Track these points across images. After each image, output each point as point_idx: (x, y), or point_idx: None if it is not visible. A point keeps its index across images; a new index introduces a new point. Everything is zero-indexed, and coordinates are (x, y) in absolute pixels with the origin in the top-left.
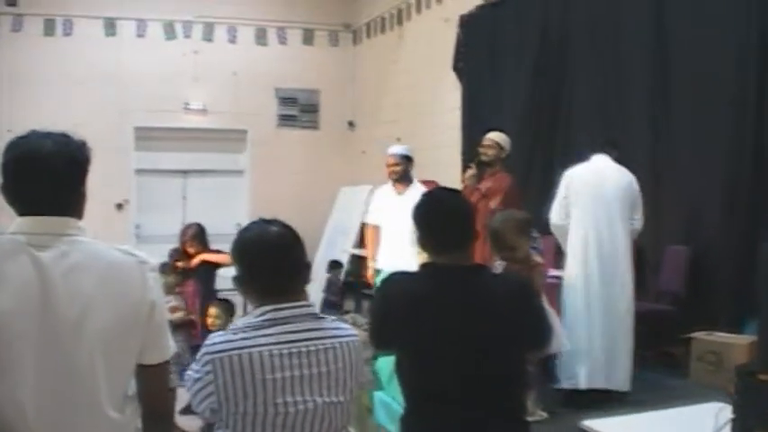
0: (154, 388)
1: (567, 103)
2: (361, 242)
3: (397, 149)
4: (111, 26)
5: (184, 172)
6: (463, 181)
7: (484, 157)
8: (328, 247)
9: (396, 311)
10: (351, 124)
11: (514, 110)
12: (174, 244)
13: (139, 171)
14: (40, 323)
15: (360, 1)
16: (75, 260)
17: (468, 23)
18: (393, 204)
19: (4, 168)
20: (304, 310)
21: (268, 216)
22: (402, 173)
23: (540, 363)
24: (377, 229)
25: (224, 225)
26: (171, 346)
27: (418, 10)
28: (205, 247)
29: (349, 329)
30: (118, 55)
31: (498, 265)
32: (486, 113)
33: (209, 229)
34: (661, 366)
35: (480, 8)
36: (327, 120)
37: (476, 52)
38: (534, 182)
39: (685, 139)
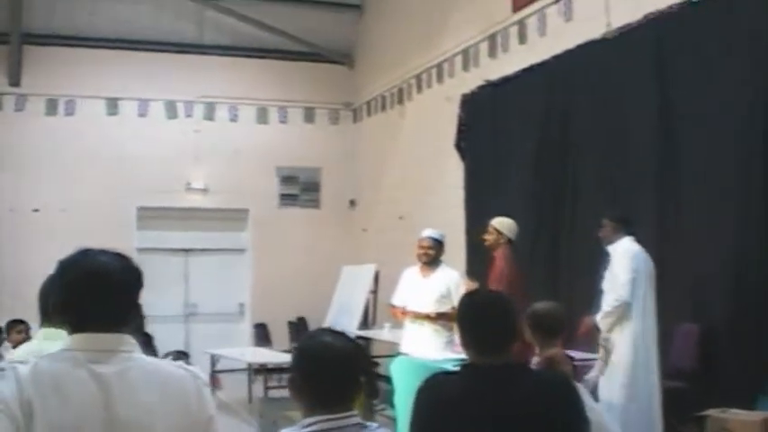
0: None
1: (572, 181)
2: (365, 322)
3: (431, 233)
4: (113, 106)
5: (186, 250)
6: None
7: (485, 243)
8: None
9: (438, 414)
10: (352, 203)
11: (518, 188)
12: (178, 323)
13: (141, 250)
14: None
15: (360, 80)
16: (135, 377)
17: (470, 102)
18: (418, 287)
19: (67, 286)
20: (350, 421)
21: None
22: (434, 257)
23: None
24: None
25: (226, 304)
26: None
27: (419, 89)
28: None
29: None
30: (120, 134)
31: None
32: (489, 192)
33: (212, 308)
34: None
35: (482, 87)
36: (328, 198)
37: (478, 131)
38: (539, 261)
39: (692, 215)
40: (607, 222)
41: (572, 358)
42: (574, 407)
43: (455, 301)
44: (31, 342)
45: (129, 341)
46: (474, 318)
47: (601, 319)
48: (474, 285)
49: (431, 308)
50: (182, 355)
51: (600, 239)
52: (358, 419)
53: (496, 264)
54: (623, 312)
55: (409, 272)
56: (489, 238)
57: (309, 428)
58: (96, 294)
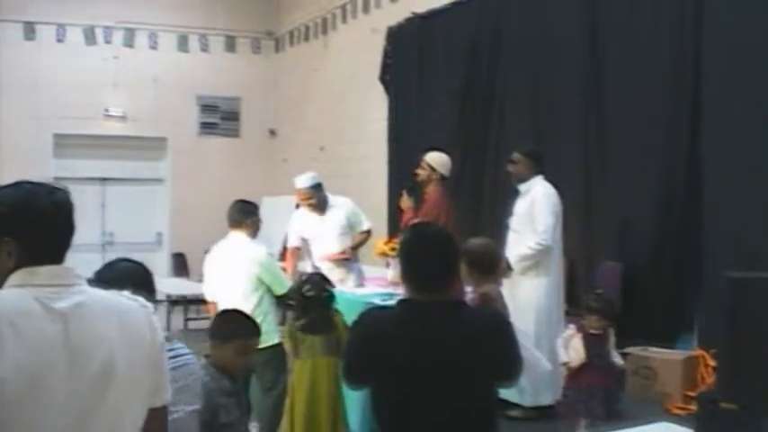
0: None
1: (498, 116)
2: (283, 255)
3: (304, 182)
4: (30, 30)
5: (103, 180)
6: (400, 205)
7: (418, 178)
8: None
9: (373, 349)
10: (272, 132)
11: (443, 122)
12: (95, 253)
13: (58, 179)
14: (67, 377)
15: (283, 8)
16: (91, 309)
17: (396, 35)
18: (316, 227)
19: (10, 219)
20: None
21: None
22: (317, 204)
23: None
24: (297, 250)
25: (144, 233)
26: (169, 389)
27: (344, 19)
28: None
29: None
30: (37, 60)
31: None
32: (413, 125)
33: (130, 237)
34: None
35: (409, 20)
36: (249, 128)
37: (404, 64)
38: (464, 195)
39: (617, 154)
40: (520, 158)
41: None
42: (510, 344)
43: (357, 227)
44: None
45: (75, 272)
46: (417, 252)
47: (518, 261)
48: (410, 202)
49: (335, 243)
50: (91, 284)
51: (510, 175)
52: None
53: (429, 199)
54: (542, 256)
55: (301, 212)
56: (422, 173)
57: None
58: (57, 227)
